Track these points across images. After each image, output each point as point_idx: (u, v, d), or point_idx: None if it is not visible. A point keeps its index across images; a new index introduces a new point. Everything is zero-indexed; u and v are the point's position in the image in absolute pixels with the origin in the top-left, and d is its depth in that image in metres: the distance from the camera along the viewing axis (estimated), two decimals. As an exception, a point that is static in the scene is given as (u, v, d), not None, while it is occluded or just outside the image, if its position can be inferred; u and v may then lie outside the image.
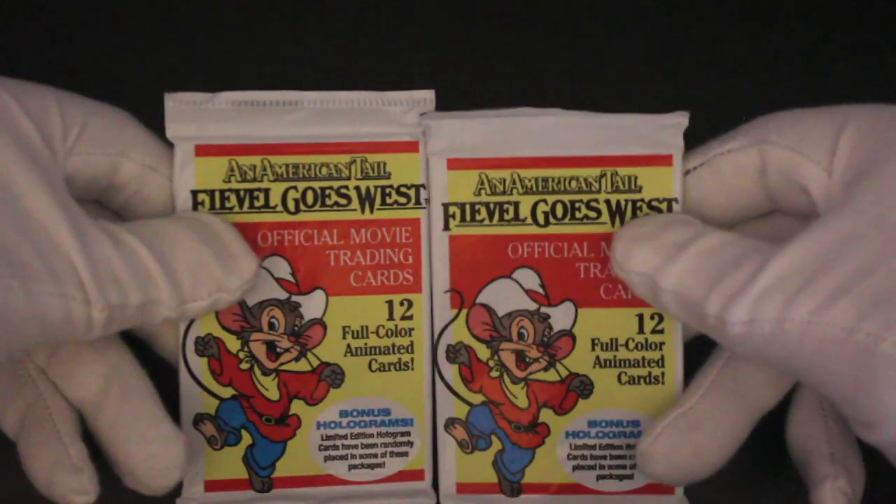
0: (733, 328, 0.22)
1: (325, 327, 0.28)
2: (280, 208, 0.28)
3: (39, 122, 0.23)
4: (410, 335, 0.28)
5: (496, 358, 0.28)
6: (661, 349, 0.28)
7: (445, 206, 0.28)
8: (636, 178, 0.28)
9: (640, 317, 0.28)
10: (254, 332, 0.28)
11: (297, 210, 0.28)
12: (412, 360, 0.28)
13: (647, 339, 0.28)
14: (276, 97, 0.28)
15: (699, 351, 0.28)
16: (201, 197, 0.27)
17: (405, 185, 0.28)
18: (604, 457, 0.28)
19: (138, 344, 0.28)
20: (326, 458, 0.28)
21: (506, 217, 0.28)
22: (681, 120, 0.28)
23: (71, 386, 0.26)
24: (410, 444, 0.29)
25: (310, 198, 0.28)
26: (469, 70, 0.31)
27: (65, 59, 0.30)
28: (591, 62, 0.31)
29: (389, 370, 0.28)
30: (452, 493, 0.29)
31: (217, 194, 0.28)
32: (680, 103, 0.28)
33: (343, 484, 0.29)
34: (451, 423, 0.28)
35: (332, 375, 0.28)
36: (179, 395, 0.28)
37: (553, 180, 0.28)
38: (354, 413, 0.28)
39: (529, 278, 0.28)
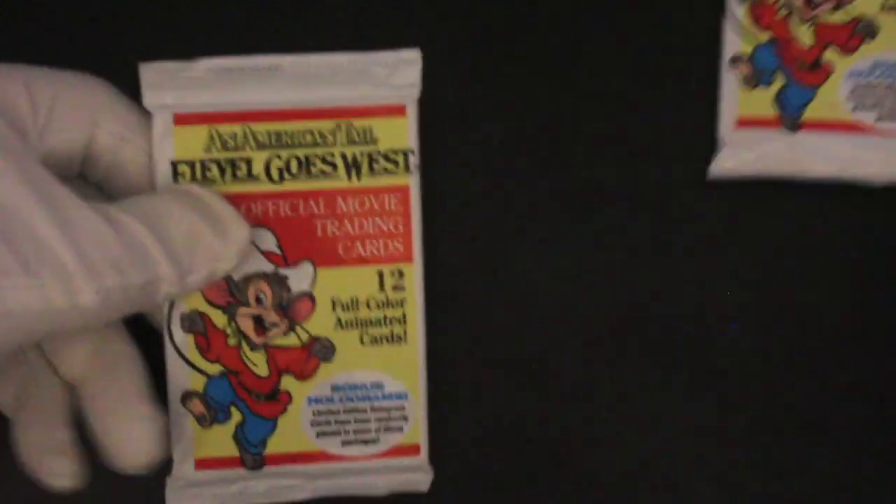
0: None
1: (313, 300, 0.27)
2: (263, 178, 0.27)
3: (6, 108, 0.23)
4: (403, 306, 0.28)
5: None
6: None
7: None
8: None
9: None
10: (240, 306, 0.27)
11: (282, 179, 0.27)
12: (405, 332, 0.28)
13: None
14: (255, 63, 0.27)
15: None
16: (182, 168, 0.26)
17: (393, 151, 0.27)
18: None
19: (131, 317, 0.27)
20: (319, 434, 0.28)
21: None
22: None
23: (60, 362, 0.26)
24: (405, 418, 0.28)
25: (294, 166, 0.27)
26: (468, 69, 0.30)
27: (38, 30, 0.29)
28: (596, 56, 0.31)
29: (382, 343, 0.28)
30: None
31: (198, 165, 0.27)
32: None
33: (336, 460, 0.28)
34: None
35: (322, 350, 0.27)
36: (166, 372, 0.27)
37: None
38: (346, 388, 0.28)
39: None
